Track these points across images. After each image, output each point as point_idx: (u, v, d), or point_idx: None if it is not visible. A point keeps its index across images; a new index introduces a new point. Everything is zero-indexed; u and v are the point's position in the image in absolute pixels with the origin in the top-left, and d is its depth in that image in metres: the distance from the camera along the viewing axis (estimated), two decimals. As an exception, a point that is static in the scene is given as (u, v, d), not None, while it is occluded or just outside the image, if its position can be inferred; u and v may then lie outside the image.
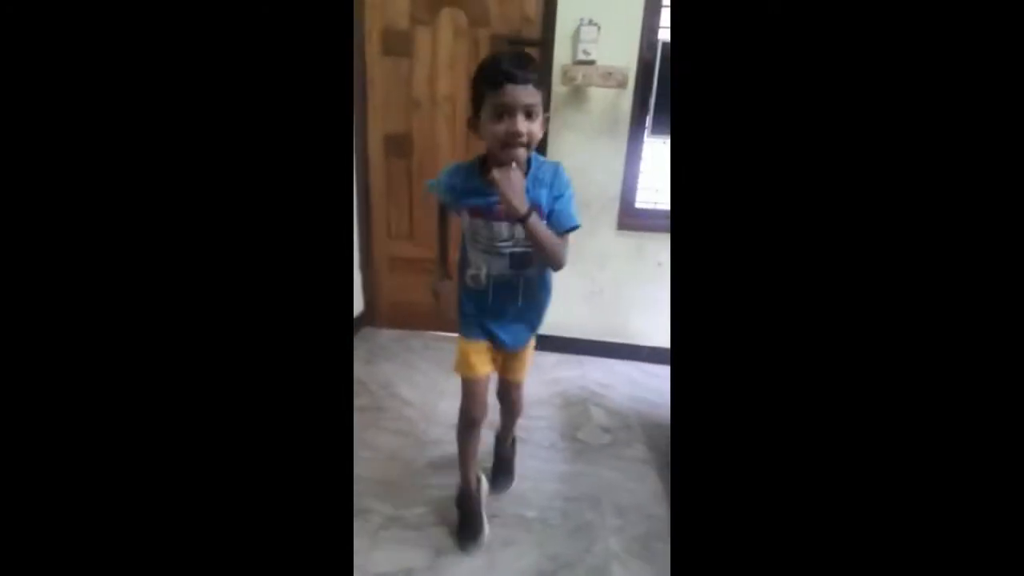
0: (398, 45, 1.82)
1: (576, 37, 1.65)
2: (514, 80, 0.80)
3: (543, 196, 0.89)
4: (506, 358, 1.07)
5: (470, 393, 1.06)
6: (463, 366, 1.04)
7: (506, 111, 0.81)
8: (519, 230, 0.89)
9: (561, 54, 1.69)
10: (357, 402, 1.61)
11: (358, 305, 2.09)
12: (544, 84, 0.86)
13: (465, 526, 1.12)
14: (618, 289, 1.92)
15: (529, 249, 0.92)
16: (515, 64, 0.81)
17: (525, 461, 1.36)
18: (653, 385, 1.83)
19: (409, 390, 1.70)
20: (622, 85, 1.66)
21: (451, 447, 1.49)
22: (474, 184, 0.91)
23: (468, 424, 1.09)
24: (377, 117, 1.91)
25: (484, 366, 1.05)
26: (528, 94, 0.80)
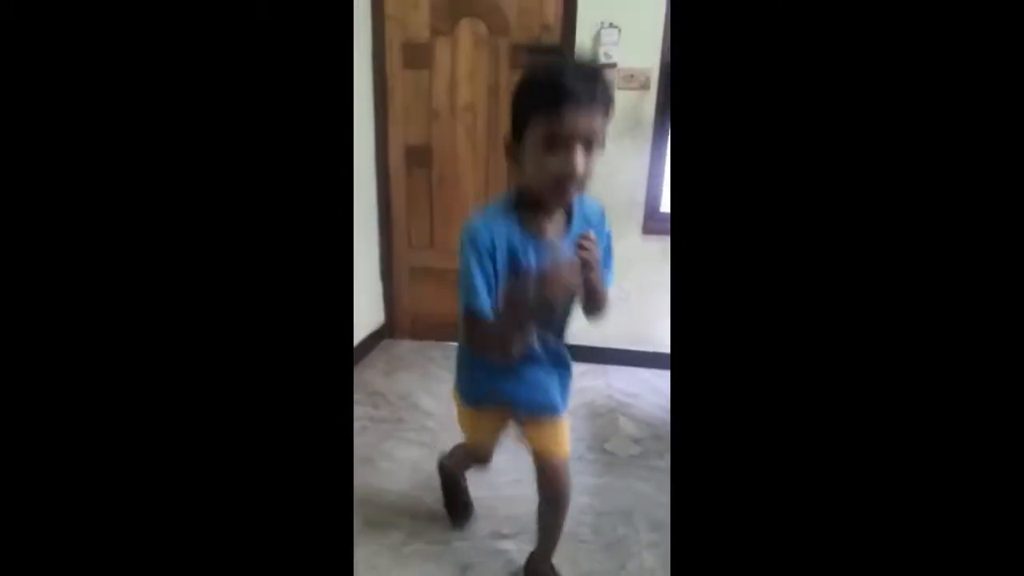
0: (418, 57, 1.84)
1: (597, 40, 1.64)
2: (577, 100, 0.59)
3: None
4: (537, 429, 0.84)
5: (474, 454, 1.00)
6: (469, 432, 0.94)
7: (562, 141, 0.60)
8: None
9: (581, 58, 1.68)
10: (377, 413, 1.58)
11: (378, 317, 2.07)
12: (610, 106, 0.65)
13: (451, 500, 1.11)
14: (644, 295, 1.86)
15: (565, 308, 0.78)
16: (581, 78, 0.60)
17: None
18: (683, 395, 1.75)
19: (429, 400, 1.66)
20: (644, 87, 1.64)
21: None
22: (513, 233, 0.70)
23: (470, 463, 1.05)
24: (398, 129, 1.92)
25: (495, 432, 0.91)
26: (592, 119, 0.61)
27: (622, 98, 1.69)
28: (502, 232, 0.70)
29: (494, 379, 0.82)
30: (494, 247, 0.69)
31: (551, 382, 0.82)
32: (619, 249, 1.78)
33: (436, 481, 1.30)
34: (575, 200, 0.73)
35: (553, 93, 0.60)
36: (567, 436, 0.87)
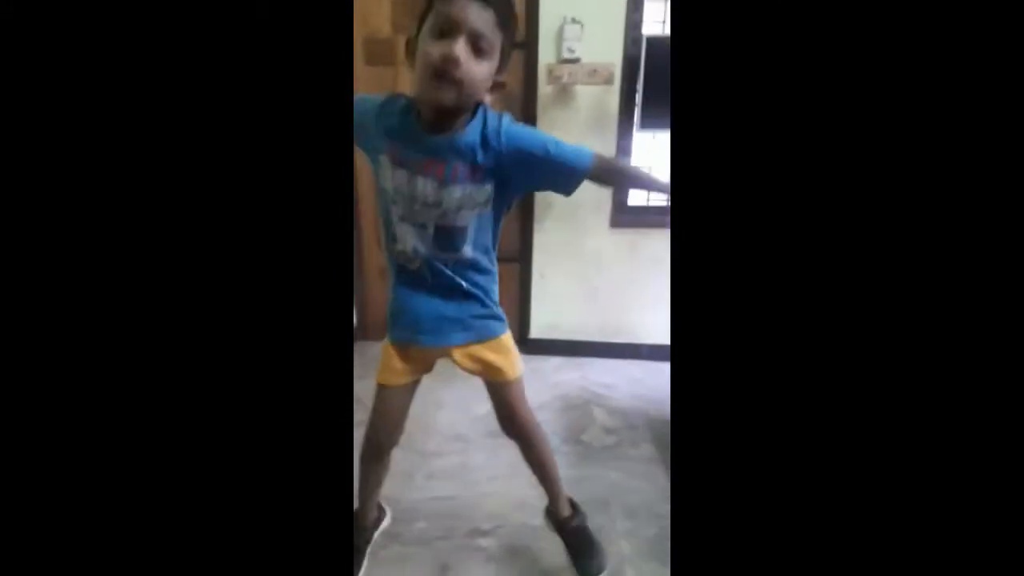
0: (381, 54, 1.80)
1: (560, 36, 1.64)
2: None
3: (495, 159, 0.69)
4: (476, 352, 0.82)
5: (378, 406, 0.86)
6: (381, 370, 0.85)
7: (448, 29, 0.62)
8: (448, 194, 0.70)
9: (545, 53, 1.68)
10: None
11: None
12: (508, 26, 0.66)
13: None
14: (614, 288, 1.88)
15: (459, 224, 0.73)
16: None
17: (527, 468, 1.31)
18: (656, 383, 1.78)
19: (406, 401, 1.65)
20: (608, 82, 1.65)
21: (453, 458, 1.42)
22: (409, 125, 0.71)
23: (370, 449, 0.89)
24: (362, 126, 1.89)
25: (406, 373, 0.84)
26: (483, 17, 0.62)
27: (586, 94, 1.71)
28: (398, 112, 0.72)
29: (407, 311, 0.82)
30: (380, 117, 0.72)
31: (454, 309, 0.79)
32: (589, 244, 1.83)
33: (414, 481, 1.29)
34: (480, 114, 0.70)
35: None
36: (513, 352, 0.85)
